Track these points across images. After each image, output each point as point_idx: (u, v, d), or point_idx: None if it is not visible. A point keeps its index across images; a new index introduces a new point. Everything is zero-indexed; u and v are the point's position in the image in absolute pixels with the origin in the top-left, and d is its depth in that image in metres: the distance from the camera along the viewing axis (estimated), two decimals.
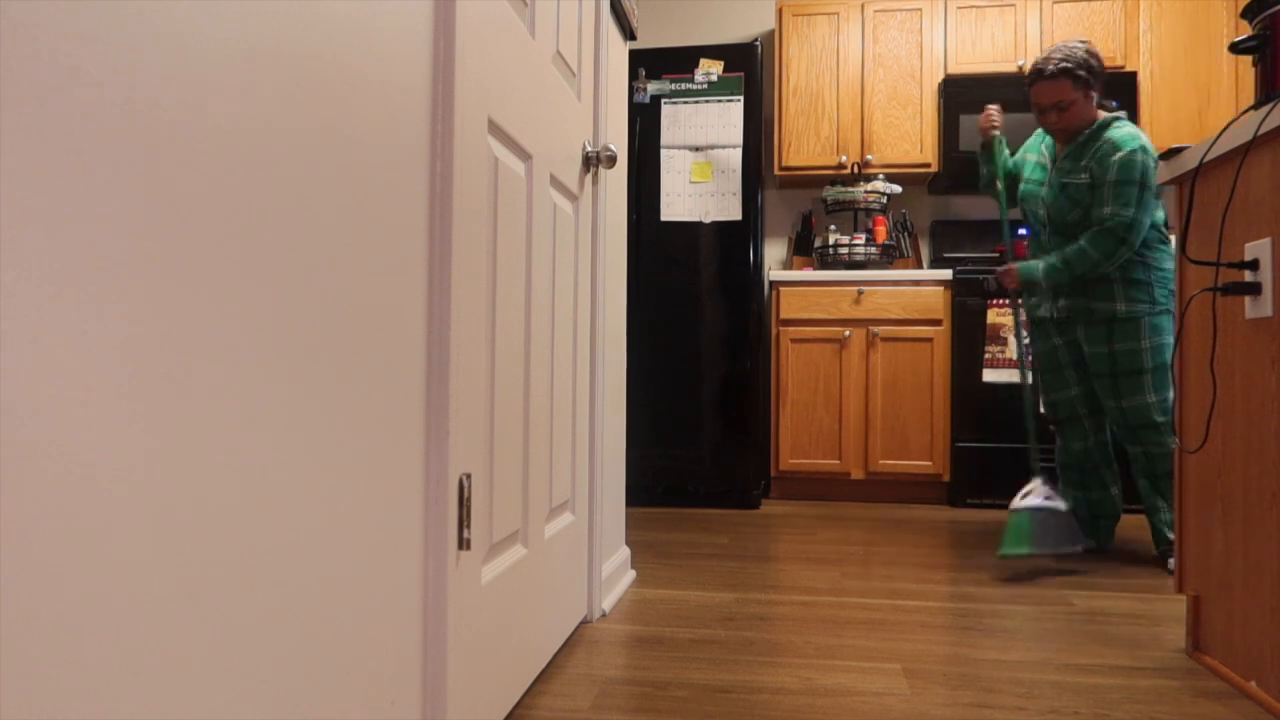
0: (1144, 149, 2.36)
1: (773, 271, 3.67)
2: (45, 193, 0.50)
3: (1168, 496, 2.47)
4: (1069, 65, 2.43)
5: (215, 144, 0.65)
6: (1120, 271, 2.44)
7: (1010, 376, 3.40)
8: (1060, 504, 2.32)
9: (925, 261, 4.07)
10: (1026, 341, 3.06)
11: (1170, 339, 2.43)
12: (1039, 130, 2.66)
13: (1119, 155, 2.36)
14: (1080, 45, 2.45)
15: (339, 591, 0.84)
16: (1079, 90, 2.43)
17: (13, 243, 0.48)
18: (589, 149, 1.80)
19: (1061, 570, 2.37)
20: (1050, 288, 2.51)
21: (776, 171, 3.88)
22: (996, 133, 2.65)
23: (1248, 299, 1.45)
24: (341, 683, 0.85)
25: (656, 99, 3.51)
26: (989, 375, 3.42)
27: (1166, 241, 2.45)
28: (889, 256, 3.78)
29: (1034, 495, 2.31)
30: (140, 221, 0.58)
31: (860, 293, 3.57)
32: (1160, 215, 2.43)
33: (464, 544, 1.11)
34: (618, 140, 2.09)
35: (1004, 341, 3.40)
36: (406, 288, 0.99)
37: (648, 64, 3.52)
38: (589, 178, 1.83)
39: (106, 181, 0.55)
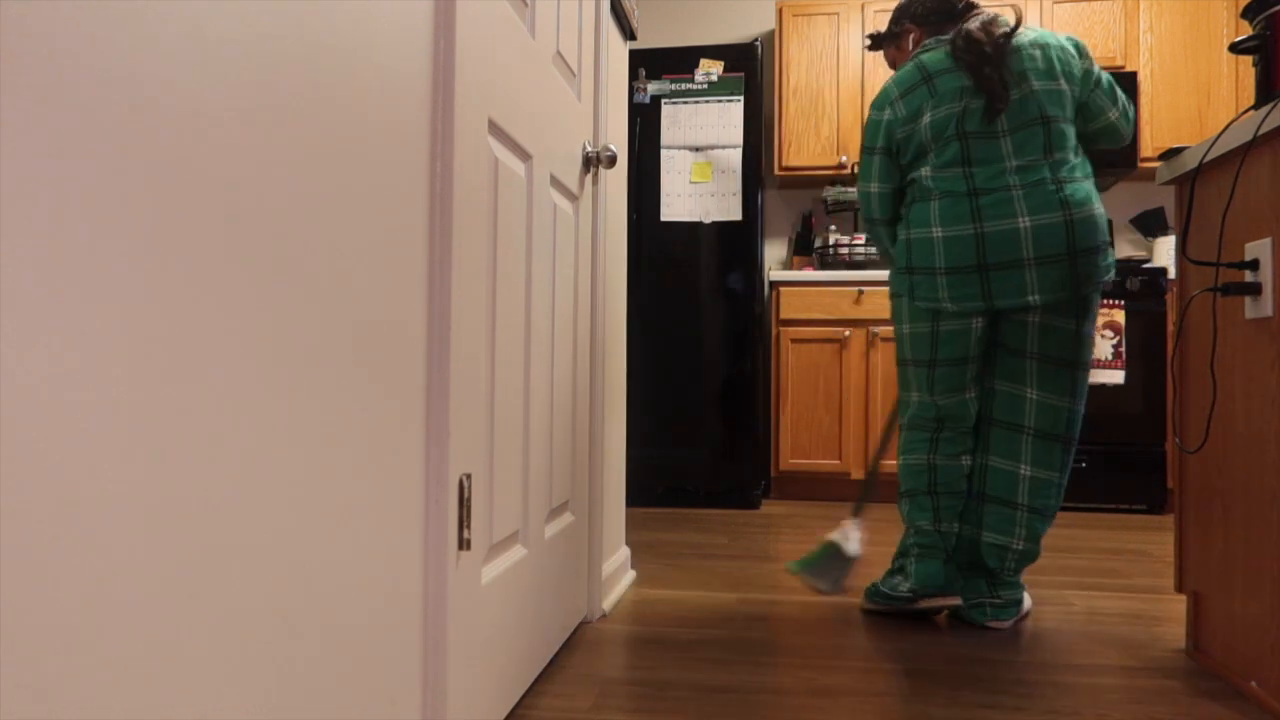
0: (876, 104, 1.96)
1: (773, 272, 3.67)
2: (46, 192, 0.50)
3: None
4: (872, 33, 2.12)
5: (217, 143, 0.65)
6: None
7: None
8: (852, 549, 2.08)
9: None
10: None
11: (915, 329, 1.92)
12: None
13: None
14: None
15: (339, 591, 0.85)
16: (890, 49, 2.10)
17: (13, 242, 0.48)
18: (589, 149, 1.80)
19: (1061, 570, 2.37)
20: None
21: (776, 172, 3.88)
22: None
23: (1248, 299, 1.45)
24: (341, 682, 0.85)
25: (656, 99, 3.51)
26: None
27: (918, 200, 1.90)
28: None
29: (839, 533, 2.14)
30: (142, 221, 0.58)
31: (860, 293, 3.57)
32: (928, 166, 1.87)
33: (464, 544, 1.11)
34: (618, 140, 2.09)
35: None
36: (407, 288, 0.99)
37: (648, 64, 3.52)
38: (589, 178, 1.83)
39: (109, 180, 0.55)
